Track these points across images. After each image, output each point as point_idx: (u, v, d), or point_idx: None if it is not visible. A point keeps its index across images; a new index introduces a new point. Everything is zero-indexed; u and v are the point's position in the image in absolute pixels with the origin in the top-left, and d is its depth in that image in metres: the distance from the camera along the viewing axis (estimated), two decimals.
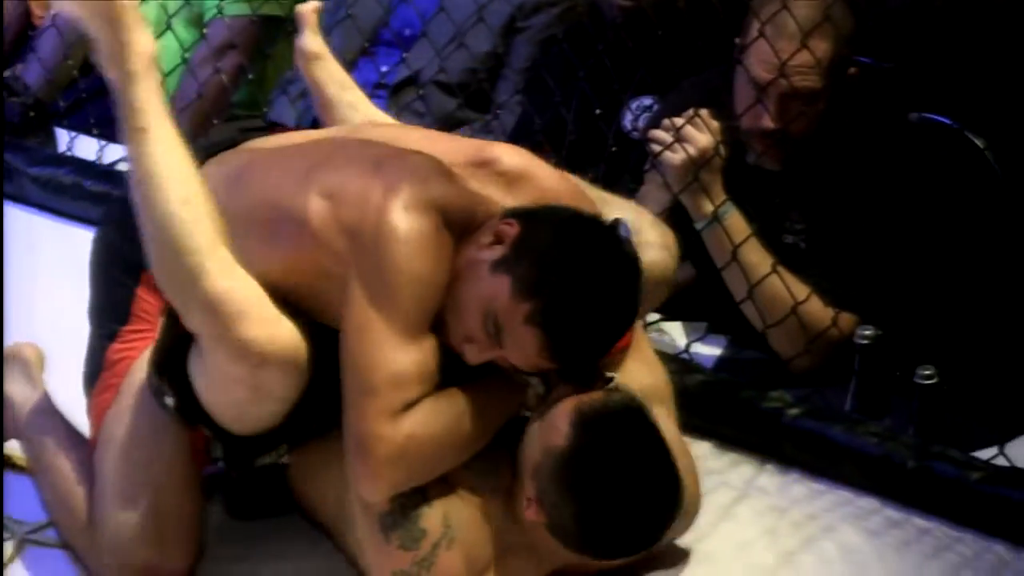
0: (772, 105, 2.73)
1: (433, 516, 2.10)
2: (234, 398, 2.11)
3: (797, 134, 2.76)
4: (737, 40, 2.79)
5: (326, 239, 2.06)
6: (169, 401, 2.17)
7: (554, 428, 2.05)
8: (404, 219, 2.02)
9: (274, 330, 2.07)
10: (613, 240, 2.07)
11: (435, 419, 2.05)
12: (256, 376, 2.06)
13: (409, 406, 2.03)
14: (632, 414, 2.07)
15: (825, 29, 2.69)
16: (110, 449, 2.25)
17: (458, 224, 2.08)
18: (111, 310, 2.31)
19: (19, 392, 2.48)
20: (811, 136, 2.77)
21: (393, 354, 2.02)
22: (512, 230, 2.06)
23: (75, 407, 2.44)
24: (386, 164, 2.10)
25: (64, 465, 2.33)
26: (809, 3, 2.69)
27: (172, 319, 2.14)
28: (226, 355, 2.07)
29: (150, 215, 2.10)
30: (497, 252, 2.05)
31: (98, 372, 2.31)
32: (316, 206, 2.08)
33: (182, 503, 2.25)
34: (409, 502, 2.09)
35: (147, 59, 2.14)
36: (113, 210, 2.39)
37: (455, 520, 2.12)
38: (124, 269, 2.28)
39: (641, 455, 2.05)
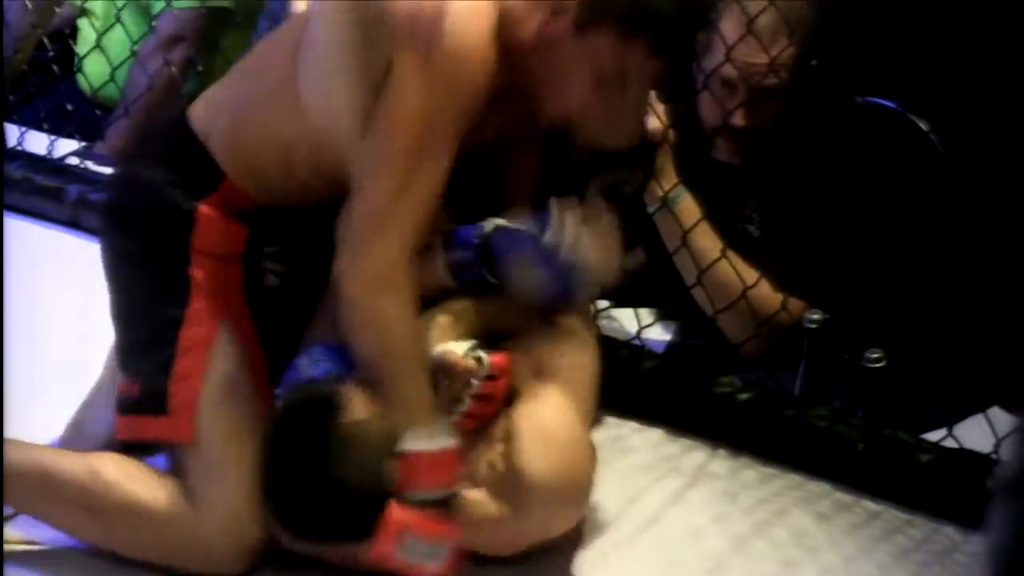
0: (739, 104, 2.70)
1: None
2: None
3: (762, 129, 2.74)
4: (699, 36, 2.71)
5: None
6: None
7: None
8: None
9: None
10: None
11: None
12: None
13: None
14: None
15: (787, 30, 2.65)
16: (215, 430, 2.16)
17: None
18: (165, 299, 2.19)
19: None
20: (771, 129, 2.75)
21: None
22: None
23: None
24: None
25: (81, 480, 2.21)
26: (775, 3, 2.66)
27: None
28: None
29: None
30: (566, 19, 2.02)
31: (170, 361, 2.19)
32: None
33: None
34: None
35: None
36: (108, 217, 2.30)
37: None
38: (163, 256, 2.18)
39: None
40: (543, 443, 2.13)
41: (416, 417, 2.05)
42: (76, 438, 2.36)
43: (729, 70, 2.67)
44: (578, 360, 2.28)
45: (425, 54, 1.99)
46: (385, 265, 2.03)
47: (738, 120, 2.70)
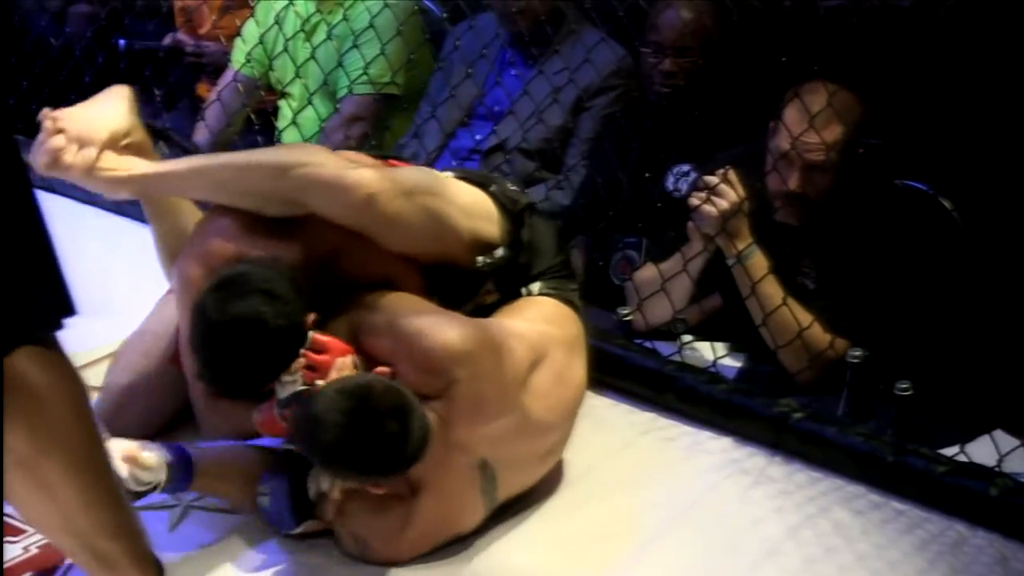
0: (795, 173, 2.79)
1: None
2: None
3: (813, 197, 2.82)
4: (771, 123, 2.84)
5: None
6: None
7: None
8: None
9: None
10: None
11: None
12: None
13: None
14: None
15: (838, 117, 2.74)
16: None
17: None
18: None
19: None
20: (824, 200, 2.82)
21: None
22: None
23: None
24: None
25: None
26: (826, 95, 2.74)
27: None
28: None
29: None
30: None
31: None
32: None
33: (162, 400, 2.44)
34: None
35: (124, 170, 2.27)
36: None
37: None
38: None
39: None
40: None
41: None
42: None
43: (786, 145, 2.77)
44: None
45: None
46: None
47: (793, 184, 2.78)
